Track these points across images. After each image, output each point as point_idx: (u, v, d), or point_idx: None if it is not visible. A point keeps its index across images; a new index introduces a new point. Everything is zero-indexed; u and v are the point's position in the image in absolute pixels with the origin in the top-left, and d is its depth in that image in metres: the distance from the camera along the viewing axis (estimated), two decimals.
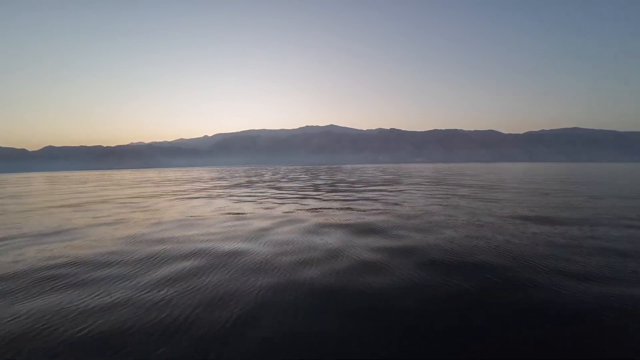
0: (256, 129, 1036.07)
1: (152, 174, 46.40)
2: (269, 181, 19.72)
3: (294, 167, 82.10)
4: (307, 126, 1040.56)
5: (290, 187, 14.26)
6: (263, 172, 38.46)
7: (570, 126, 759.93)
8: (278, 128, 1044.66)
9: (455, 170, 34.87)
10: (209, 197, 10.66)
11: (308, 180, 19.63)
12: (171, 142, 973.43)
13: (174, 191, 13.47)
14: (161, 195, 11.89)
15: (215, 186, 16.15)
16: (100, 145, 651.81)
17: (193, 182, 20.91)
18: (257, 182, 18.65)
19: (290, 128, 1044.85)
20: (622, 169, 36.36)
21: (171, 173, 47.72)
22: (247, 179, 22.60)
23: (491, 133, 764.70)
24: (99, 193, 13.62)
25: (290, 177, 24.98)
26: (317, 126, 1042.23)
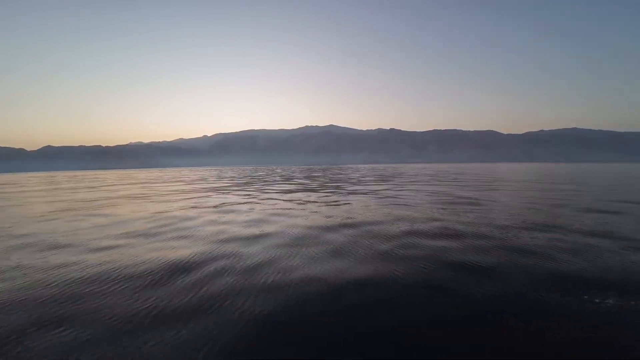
0: (256, 129, 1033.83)
1: (174, 173, 46.32)
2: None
3: (310, 167, 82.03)
4: (306, 126, 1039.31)
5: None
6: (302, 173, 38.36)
7: (569, 127, 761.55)
8: (278, 128, 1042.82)
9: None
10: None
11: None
12: (170, 142, 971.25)
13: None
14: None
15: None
16: (99, 145, 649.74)
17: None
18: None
19: (289, 128, 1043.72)
20: (620, 169, 36.57)
21: (205, 172, 47.58)
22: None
23: (490, 133, 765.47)
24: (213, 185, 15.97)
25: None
26: (316, 126, 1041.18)
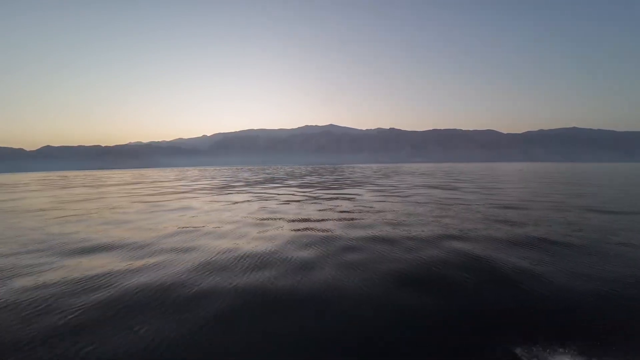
0: (255, 128, 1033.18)
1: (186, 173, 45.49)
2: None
3: (319, 167, 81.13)
4: (306, 126, 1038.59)
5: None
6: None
7: (569, 126, 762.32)
8: (277, 128, 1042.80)
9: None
10: None
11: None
12: (170, 141, 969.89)
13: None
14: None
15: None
16: (98, 145, 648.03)
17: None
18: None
19: (289, 128, 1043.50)
20: (619, 169, 35.90)
21: (217, 172, 46.82)
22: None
23: (490, 133, 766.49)
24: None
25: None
26: (316, 126, 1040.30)
